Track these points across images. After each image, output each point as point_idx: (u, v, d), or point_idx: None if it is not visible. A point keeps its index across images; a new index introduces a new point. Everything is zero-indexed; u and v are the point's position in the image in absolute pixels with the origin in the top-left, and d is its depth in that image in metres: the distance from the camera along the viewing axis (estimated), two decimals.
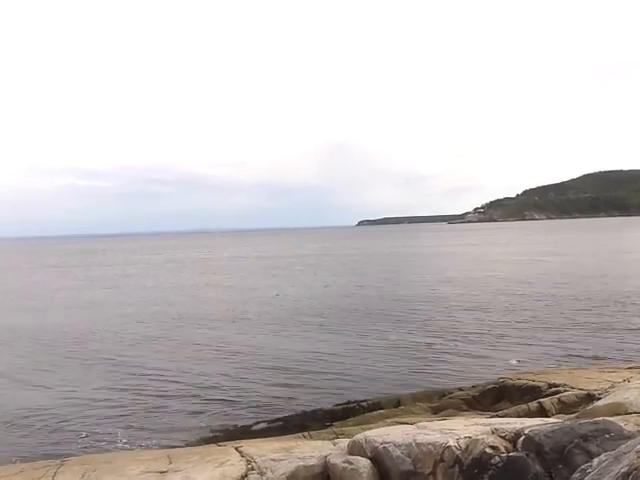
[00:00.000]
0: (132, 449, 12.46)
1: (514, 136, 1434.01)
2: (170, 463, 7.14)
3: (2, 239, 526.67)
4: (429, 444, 5.50)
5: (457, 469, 5.10)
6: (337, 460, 6.22)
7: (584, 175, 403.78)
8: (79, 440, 13.40)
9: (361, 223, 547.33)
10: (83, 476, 7.03)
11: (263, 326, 27.59)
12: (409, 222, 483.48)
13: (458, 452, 5.19)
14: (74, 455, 10.13)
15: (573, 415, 8.42)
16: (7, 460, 11.63)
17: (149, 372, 19.43)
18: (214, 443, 9.99)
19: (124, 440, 13.28)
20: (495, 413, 11.33)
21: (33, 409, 15.78)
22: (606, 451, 3.96)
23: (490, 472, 4.73)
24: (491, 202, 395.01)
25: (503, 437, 5.14)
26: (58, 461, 8.16)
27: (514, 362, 18.64)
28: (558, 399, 11.01)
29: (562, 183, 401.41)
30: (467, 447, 5.16)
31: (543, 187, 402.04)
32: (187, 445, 12.10)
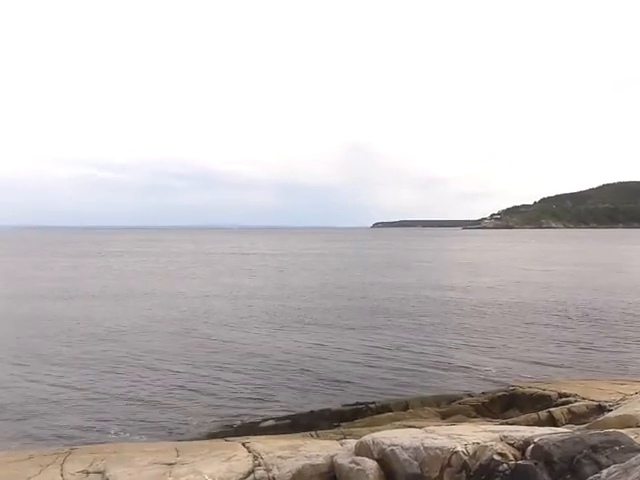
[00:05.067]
0: (140, 441, 12.53)
1: (534, 143, 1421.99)
2: (178, 456, 7.20)
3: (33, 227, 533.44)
4: (437, 448, 5.49)
5: (464, 474, 5.09)
6: (344, 460, 6.22)
7: (604, 185, 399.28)
8: (87, 430, 13.45)
9: (376, 225, 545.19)
10: (91, 465, 7.11)
11: (274, 324, 27.63)
12: (425, 226, 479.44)
13: (466, 457, 5.17)
14: (82, 444, 10.21)
15: (583, 426, 8.35)
16: (12, 447, 11.75)
17: (158, 365, 19.52)
18: (222, 438, 10.05)
19: (132, 432, 13.33)
20: (504, 420, 11.26)
21: (39, 399, 15.78)
22: (615, 463, 3.93)
23: (497, 479, 4.71)
24: (508, 209, 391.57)
25: (512, 445, 5.12)
26: (67, 449, 8.27)
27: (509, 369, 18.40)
28: (568, 409, 10.94)
29: (581, 192, 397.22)
30: (475, 453, 5.14)
31: (561, 195, 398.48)
32: (195, 439, 12.14)
